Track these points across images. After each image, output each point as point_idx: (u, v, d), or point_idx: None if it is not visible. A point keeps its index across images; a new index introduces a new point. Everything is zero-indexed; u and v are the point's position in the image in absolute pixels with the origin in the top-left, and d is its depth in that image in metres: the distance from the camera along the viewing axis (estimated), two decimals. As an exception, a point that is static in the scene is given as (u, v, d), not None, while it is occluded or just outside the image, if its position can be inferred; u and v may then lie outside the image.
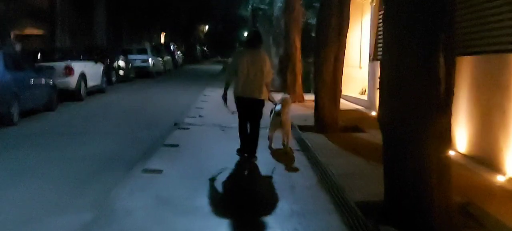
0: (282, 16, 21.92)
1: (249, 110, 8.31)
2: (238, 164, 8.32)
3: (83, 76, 18.28)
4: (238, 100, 8.28)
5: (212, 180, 7.20)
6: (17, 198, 6.56)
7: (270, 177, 7.49)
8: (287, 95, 9.60)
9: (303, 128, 11.53)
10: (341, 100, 11.78)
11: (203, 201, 6.27)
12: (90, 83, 19.10)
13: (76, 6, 28.15)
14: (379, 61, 14.40)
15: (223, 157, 8.73)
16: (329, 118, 11.22)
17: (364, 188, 6.70)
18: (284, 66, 17.77)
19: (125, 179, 7.05)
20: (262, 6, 23.85)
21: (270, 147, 9.27)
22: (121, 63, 27.41)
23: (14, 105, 12.33)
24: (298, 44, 17.51)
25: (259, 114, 8.39)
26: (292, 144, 9.75)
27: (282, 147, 9.22)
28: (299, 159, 8.69)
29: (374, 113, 13.96)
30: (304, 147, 9.61)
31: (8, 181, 7.31)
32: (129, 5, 37.74)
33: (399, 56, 5.17)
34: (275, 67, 23.54)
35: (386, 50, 5.44)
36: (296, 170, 7.91)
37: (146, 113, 14.95)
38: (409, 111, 5.11)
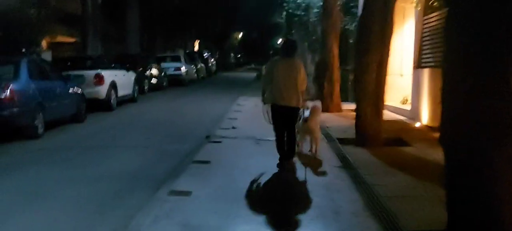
0: (318, 22, 21.27)
1: (284, 118, 8.38)
2: (274, 183, 7.57)
3: (113, 85, 17.77)
4: (274, 109, 8.38)
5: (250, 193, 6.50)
6: (29, 224, 5.92)
7: (311, 200, 6.69)
8: (317, 103, 9.81)
9: (343, 141, 10.74)
10: (382, 110, 10.97)
11: (237, 229, 5.54)
12: (121, 92, 18.59)
13: (109, 13, 27.79)
14: (423, 69, 13.60)
15: (259, 174, 8.00)
16: (371, 130, 10.39)
17: (419, 213, 5.93)
18: (321, 74, 16.94)
19: (150, 202, 6.34)
20: (297, 12, 23.06)
21: (299, 152, 9.30)
22: (154, 71, 26.98)
23: (38, 117, 11.80)
24: (336, 51, 16.67)
25: (294, 122, 8.54)
26: (334, 160, 9.01)
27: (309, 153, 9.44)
28: (341, 177, 7.87)
29: (418, 124, 13.08)
30: (345, 163, 8.80)
31: (23, 203, 6.70)
32: (162, 12, 37.33)
33: (465, 67, 4.38)
34: (310, 75, 22.85)
35: (449, 60, 4.65)
36: (338, 190, 7.09)
37: (177, 124, 14.31)
38: (479, 131, 4.30)
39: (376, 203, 6.37)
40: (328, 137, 11.49)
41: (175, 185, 7.14)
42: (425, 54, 13.43)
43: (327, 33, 16.75)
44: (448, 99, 4.60)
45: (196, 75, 35.69)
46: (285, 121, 8.40)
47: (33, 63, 13.10)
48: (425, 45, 13.49)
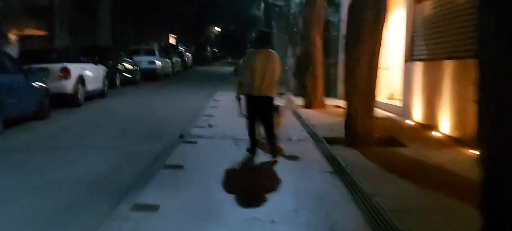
0: (300, 13, 20.28)
1: (260, 108, 8.47)
2: (257, 193, 6.53)
3: (81, 79, 16.58)
4: (249, 98, 8.47)
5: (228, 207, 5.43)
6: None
7: (301, 214, 5.65)
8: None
9: (331, 141, 9.77)
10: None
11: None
12: (90, 87, 17.40)
13: (78, 4, 26.49)
14: (416, 62, 12.66)
15: (238, 183, 6.99)
16: (362, 130, 9.42)
17: (431, 232, 4.97)
18: (303, 68, 15.93)
19: (109, 221, 5.24)
20: (278, 3, 22.02)
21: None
22: (127, 65, 25.78)
23: (-6, 114, 10.64)
24: (319, 43, 15.67)
25: (270, 110, 8.61)
26: (323, 164, 8.05)
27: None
28: (334, 185, 6.86)
29: (410, 122, 12.15)
30: (336, 167, 7.81)
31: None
32: (136, 4, 36.05)
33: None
34: (291, 69, 21.90)
35: (488, 52, 3.62)
36: (333, 202, 6.06)
37: (149, 122, 13.20)
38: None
39: (379, 219, 5.37)
40: (314, 136, 10.50)
41: (141, 196, 6.03)
42: (418, 46, 12.49)
43: (310, 24, 15.75)
44: (489, 97, 3.58)
45: (171, 69, 34.51)
46: (261, 111, 8.50)
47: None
48: (417, 36, 12.55)
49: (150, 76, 29.02)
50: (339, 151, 8.81)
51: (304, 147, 9.57)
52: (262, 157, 8.58)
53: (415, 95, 12.19)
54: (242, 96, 8.57)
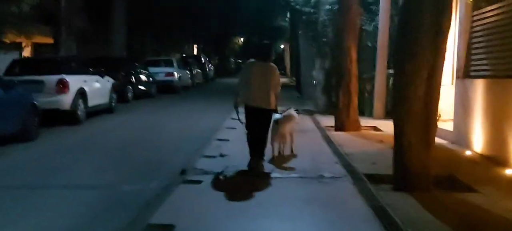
0: (330, 21, 18.07)
1: (257, 120, 8.45)
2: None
3: (82, 93, 14.62)
4: (248, 109, 8.54)
5: None
6: None
7: None
8: (292, 111, 9.75)
9: (375, 179, 7.64)
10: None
11: None
12: (93, 101, 15.39)
13: (89, 10, 24.58)
14: (474, 80, 10.37)
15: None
16: (417, 167, 7.17)
17: None
18: (338, 83, 13.67)
19: None
20: (305, 10, 19.82)
21: (273, 155, 9.35)
22: (142, 77, 23.84)
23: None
24: (354, 55, 13.43)
25: (268, 123, 8.64)
26: (369, 217, 5.79)
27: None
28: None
29: (468, 152, 9.87)
30: (388, 222, 5.60)
31: None
32: (155, 13, 34.06)
33: None
34: (319, 84, 19.66)
35: None
36: None
37: (152, 146, 11.06)
38: None
39: None
40: (352, 172, 8.24)
41: None
42: (477, 60, 10.22)
43: (343, 33, 13.50)
44: None
45: (190, 81, 32.48)
46: (258, 122, 8.47)
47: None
48: (476, 48, 10.27)
49: (167, 88, 27.07)
50: (388, 197, 6.63)
51: (340, 189, 7.34)
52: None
53: (473, 118, 9.93)
54: (241, 106, 8.66)
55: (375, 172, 8.18)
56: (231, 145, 10.64)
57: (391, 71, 16.38)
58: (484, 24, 9.91)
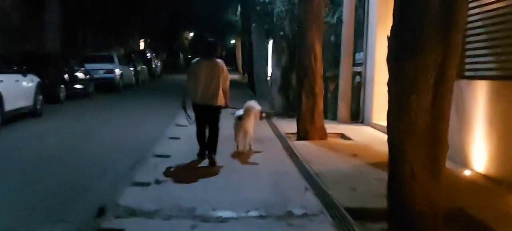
0: (287, 12, 16.13)
1: (206, 116, 8.63)
2: None
3: (-5, 95, 12.21)
4: (196, 107, 8.67)
5: None
6: None
7: None
8: (252, 103, 9.58)
9: (360, 215, 5.82)
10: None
11: None
12: (11, 105, 12.98)
13: (25, 5, 21.99)
14: (471, 82, 8.37)
15: None
16: (423, 204, 5.20)
17: None
18: (299, 84, 11.63)
19: None
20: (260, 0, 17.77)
21: (238, 150, 9.42)
22: (78, 74, 21.38)
23: None
24: (319, 51, 11.44)
25: (217, 119, 8.73)
26: None
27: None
28: None
29: (468, 172, 8.01)
30: None
31: None
32: (97, 4, 31.41)
33: None
34: (276, 83, 17.70)
35: None
36: None
37: (72, 165, 8.76)
38: None
39: None
40: (329, 205, 6.22)
41: None
42: (474, 57, 8.35)
43: (306, 26, 11.48)
44: None
45: (134, 79, 30.00)
46: (207, 119, 8.62)
47: None
48: (473, 42, 8.39)
49: (107, 87, 24.67)
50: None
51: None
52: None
53: (472, 129, 8.08)
54: (189, 105, 8.83)
55: (359, 204, 6.25)
56: (173, 161, 8.51)
57: (356, 69, 14.59)
58: (485, 13, 8.05)
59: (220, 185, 7.11)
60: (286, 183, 7.26)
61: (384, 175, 7.58)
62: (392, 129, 5.43)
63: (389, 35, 5.44)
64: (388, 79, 5.49)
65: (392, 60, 5.45)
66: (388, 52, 5.52)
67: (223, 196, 6.50)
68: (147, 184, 6.94)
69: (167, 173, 7.76)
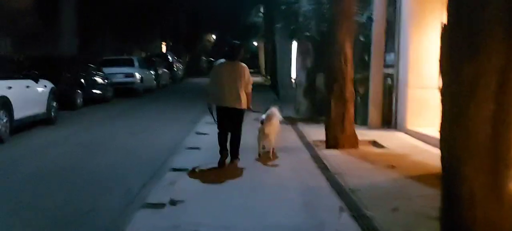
0: (313, 11, 15.26)
1: (229, 119, 8.63)
2: None
3: (4, 103, 11.50)
4: (219, 109, 8.73)
5: None
6: None
7: None
8: (274, 110, 9.65)
9: None
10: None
11: None
12: (21, 113, 12.24)
13: (41, 8, 21.45)
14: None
15: None
16: (487, 226, 4.37)
17: None
18: (329, 88, 10.72)
19: None
20: (285, -1, 16.94)
21: (259, 154, 9.40)
22: (97, 79, 20.74)
23: None
24: (349, 52, 10.53)
25: (239, 122, 8.73)
26: None
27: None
28: None
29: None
30: None
31: None
32: (116, 7, 30.82)
33: None
34: (301, 86, 16.86)
35: None
36: None
37: (79, 180, 7.90)
38: None
39: None
40: (368, 229, 5.36)
41: None
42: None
43: (336, 26, 10.58)
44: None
45: (155, 82, 29.31)
46: (229, 122, 8.64)
47: None
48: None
49: (127, 91, 24.02)
50: None
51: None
52: None
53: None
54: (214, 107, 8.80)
55: (403, 229, 5.36)
56: (190, 181, 7.66)
57: (388, 71, 13.67)
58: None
59: (245, 205, 6.26)
60: (318, 202, 6.41)
61: (427, 191, 6.76)
62: (446, 142, 4.59)
63: (441, 31, 4.61)
64: (441, 85, 4.64)
65: (446, 62, 4.59)
66: (440, 53, 4.69)
67: (249, 221, 5.64)
68: (161, 206, 6.09)
69: (185, 190, 6.93)
